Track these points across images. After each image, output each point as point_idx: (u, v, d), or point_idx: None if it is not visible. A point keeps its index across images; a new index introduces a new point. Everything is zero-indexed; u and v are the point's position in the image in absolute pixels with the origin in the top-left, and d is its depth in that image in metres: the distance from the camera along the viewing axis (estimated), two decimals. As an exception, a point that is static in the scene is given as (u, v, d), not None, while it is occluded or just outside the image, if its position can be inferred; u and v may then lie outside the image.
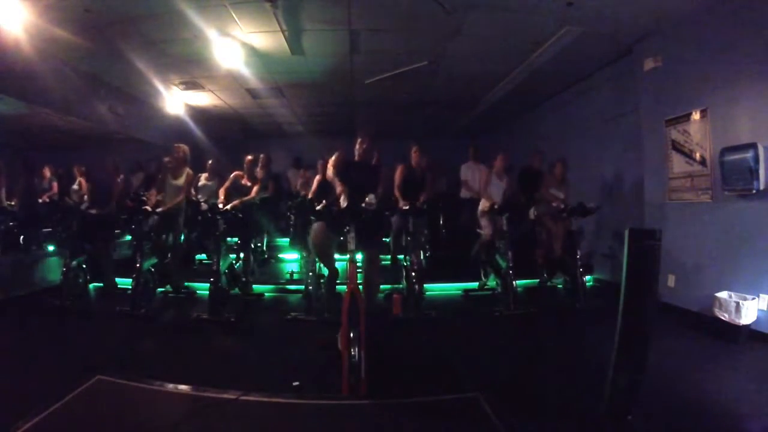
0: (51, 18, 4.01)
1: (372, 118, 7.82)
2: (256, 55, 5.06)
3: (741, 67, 3.48)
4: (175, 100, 6.87)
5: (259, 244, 6.22)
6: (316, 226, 3.09)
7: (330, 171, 3.19)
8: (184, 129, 7.50)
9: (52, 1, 3.73)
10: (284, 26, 4.34)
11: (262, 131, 9.56)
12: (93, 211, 4.75)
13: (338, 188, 3.01)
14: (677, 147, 4.15)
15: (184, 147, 4.88)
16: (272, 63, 5.39)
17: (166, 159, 4.95)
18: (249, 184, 4.91)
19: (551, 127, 7.08)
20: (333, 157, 3.22)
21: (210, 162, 6.24)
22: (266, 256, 6.54)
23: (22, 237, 5.81)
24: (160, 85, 6.18)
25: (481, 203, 5.21)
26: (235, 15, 4.10)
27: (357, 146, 3.23)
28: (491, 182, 5.18)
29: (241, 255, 4.86)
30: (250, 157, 5.11)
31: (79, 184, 6.29)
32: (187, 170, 4.83)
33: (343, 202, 2.89)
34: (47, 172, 7.11)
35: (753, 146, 3.27)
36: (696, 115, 3.92)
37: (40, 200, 6.40)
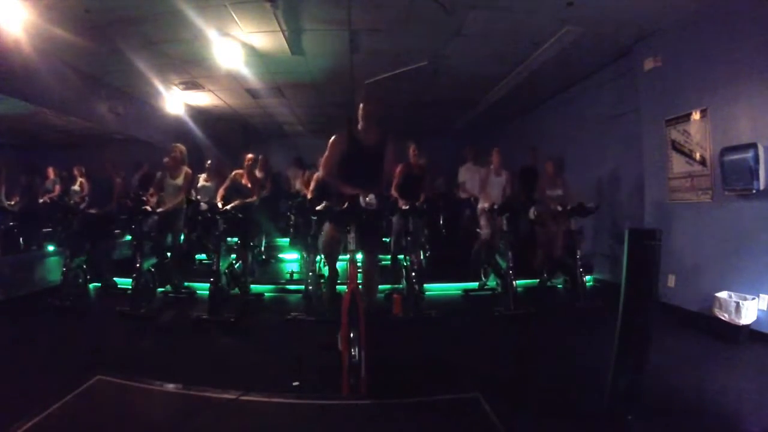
0: (51, 18, 4.01)
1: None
2: (256, 55, 5.07)
3: (741, 67, 3.48)
4: (175, 100, 6.87)
5: (257, 244, 6.21)
6: (327, 227, 3.04)
7: (323, 173, 2.93)
8: (184, 129, 7.49)
9: (52, 1, 3.73)
10: (284, 26, 4.34)
11: (262, 131, 9.56)
12: (92, 211, 4.75)
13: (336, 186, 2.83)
14: (677, 147, 4.15)
15: (181, 147, 4.90)
16: (272, 63, 5.39)
17: (165, 159, 4.96)
18: (249, 184, 4.92)
19: (551, 127, 7.07)
20: (331, 140, 2.93)
21: (209, 162, 6.23)
22: (264, 256, 6.52)
23: (21, 237, 5.81)
24: (160, 85, 6.18)
25: (479, 203, 5.22)
26: (235, 15, 4.10)
27: (360, 111, 2.88)
28: (490, 181, 5.17)
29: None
30: (250, 156, 5.13)
31: (80, 185, 6.30)
32: (186, 169, 4.85)
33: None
34: (51, 173, 7.11)
35: (753, 146, 3.27)
36: (696, 115, 3.92)
37: (41, 200, 6.40)
